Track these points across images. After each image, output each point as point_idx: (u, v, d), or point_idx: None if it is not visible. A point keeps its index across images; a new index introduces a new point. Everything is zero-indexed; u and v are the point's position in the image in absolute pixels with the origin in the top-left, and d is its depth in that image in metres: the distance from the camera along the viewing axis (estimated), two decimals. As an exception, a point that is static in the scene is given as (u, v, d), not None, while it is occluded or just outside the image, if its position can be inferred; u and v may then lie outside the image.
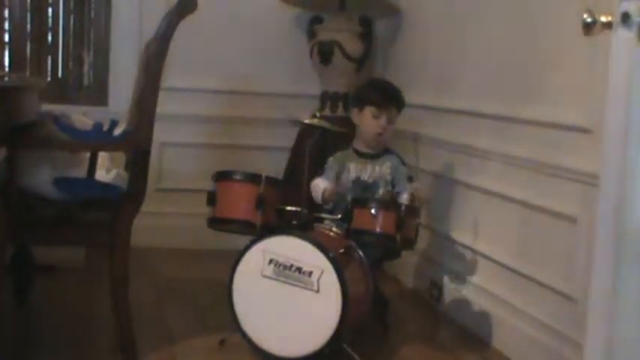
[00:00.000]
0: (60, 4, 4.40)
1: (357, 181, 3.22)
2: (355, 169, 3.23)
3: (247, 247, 2.85)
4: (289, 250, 2.79)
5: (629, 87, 1.88)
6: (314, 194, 3.17)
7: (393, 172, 3.22)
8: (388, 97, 3.25)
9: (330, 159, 3.29)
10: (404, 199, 3.05)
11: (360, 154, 3.27)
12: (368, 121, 3.23)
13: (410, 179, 3.21)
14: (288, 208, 3.00)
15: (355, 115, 3.30)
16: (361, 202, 2.95)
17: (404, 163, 3.28)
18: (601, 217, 2.00)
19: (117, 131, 2.74)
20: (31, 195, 2.63)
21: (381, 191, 3.19)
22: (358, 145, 3.29)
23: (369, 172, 3.23)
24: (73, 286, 3.64)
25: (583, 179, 2.63)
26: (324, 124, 3.26)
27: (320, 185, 3.14)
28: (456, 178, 3.57)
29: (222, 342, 2.94)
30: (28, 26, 4.40)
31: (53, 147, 2.73)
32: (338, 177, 3.23)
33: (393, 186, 3.20)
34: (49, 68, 4.46)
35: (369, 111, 3.23)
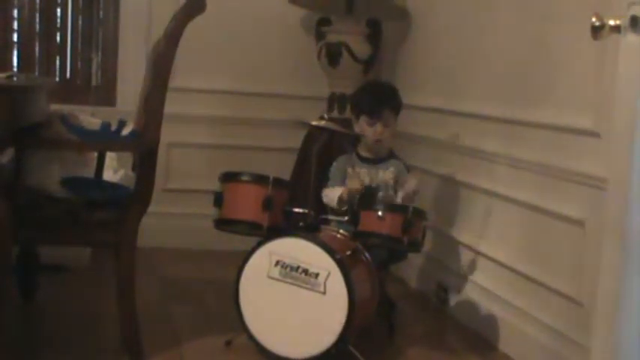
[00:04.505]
0: (68, 4, 4.41)
1: None
2: (359, 175, 3.23)
3: (254, 249, 2.85)
4: (296, 251, 2.79)
5: (637, 90, 1.88)
6: (328, 200, 3.18)
7: (396, 178, 3.23)
8: (379, 103, 3.23)
9: (334, 164, 3.30)
10: (404, 189, 3.07)
11: (364, 159, 3.27)
12: (364, 129, 3.23)
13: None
14: (296, 209, 3.00)
15: (354, 124, 3.31)
16: (368, 205, 2.95)
17: (408, 170, 3.28)
18: (608, 220, 2.00)
19: (125, 131, 2.74)
20: (39, 194, 2.64)
21: (381, 194, 3.19)
22: (362, 150, 3.30)
23: (372, 177, 3.23)
24: (79, 286, 3.64)
25: (591, 183, 2.63)
26: (332, 125, 3.25)
27: (335, 191, 3.15)
28: (463, 181, 3.56)
29: (228, 343, 2.94)
30: (37, 26, 4.41)
31: (61, 147, 2.73)
32: (343, 182, 3.23)
33: (396, 190, 3.21)
34: (58, 68, 4.47)
35: (363, 119, 3.24)
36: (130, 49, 4.34)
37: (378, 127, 3.21)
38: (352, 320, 2.72)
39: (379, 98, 3.27)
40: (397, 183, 3.22)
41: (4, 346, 2.65)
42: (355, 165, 3.27)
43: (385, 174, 3.24)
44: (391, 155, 3.30)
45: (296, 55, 4.50)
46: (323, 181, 3.27)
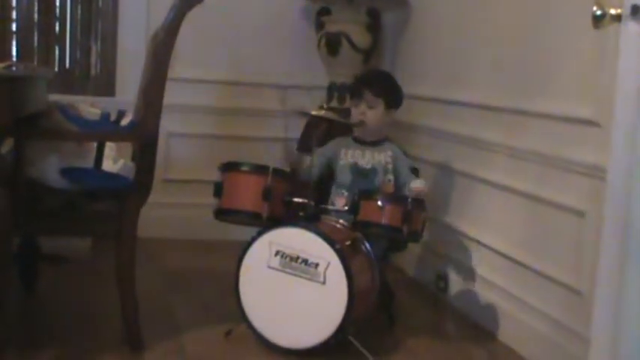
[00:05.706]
0: (68, -7, 4.41)
1: (355, 166, 3.24)
2: (353, 155, 3.25)
3: (254, 239, 2.85)
4: (296, 241, 2.79)
5: (638, 80, 1.87)
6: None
7: (394, 160, 3.23)
8: (360, 84, 3.31)
9: (328, 143, 3.33)
10: (412, 189, 3.06)
11: (359, 141, 3.28)
12: (352, 110, 3.30)
13: (415, 172, 3.21)
14: (295, 199, 3.00)
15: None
16: (368, 194, 2.95)
17: (406, 154, 3.28)
18: (608, 210, 2.00)
19: (124, 121, 2.74)
20: (38, 185, 2.64)
21: (379, 178, 3.19)
22: (357, 134, 3.30)
23: (367, 158, 3.24)
24: (79, 276, 3.64)
25: (591, 173, 2.63)
26: (331, 115, 3.26)
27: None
28: (463, 171, 3.56)
29: (228, 333, 2.94)
30: (36, 16, 4.40)
31: (60, 137, 2.73)
32: (329, 161, 3.28)
33: (396, 176, 3.21)
34: (57, 58, 4.46)
35: (351, 102, 3.32)
36: (130, 38, 4.32)
37: (362, 106, 3.23)
38: (352, 310, 2.72)
39: (360, 80, 3.37)
40: (396, 168, 3.22)
41: (4, 336, 2.66)
42: (350, 146, 3.28)
43: (381, 155, 3.24)
44: (387, 139, 3.31)
45: (296, 45, 4.49)
46: None
